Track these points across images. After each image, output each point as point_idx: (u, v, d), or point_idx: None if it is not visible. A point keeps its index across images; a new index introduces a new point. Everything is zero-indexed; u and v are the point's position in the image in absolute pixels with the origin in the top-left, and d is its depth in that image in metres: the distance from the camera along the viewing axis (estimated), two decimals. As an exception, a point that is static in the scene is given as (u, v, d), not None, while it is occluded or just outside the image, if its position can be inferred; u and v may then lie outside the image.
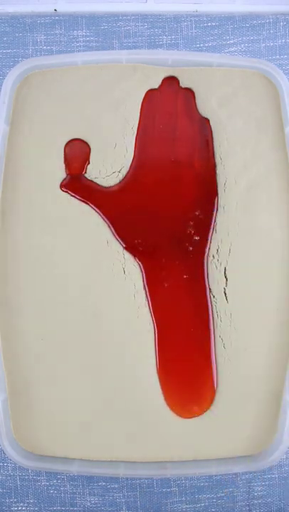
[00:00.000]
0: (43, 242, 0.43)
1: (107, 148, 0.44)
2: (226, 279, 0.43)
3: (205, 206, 0.44)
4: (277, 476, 0.47)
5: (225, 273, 0.43)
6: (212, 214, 0.44)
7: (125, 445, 0.42)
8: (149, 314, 0.43)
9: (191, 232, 0.43)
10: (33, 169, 0.44)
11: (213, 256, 0.43)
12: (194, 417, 0.42)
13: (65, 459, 0.42)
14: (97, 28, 0.50)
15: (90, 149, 0.44)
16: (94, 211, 0.43)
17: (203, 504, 0.46)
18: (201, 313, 0.43)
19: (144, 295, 0.43)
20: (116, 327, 0.42)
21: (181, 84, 0.45)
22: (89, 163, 0.44)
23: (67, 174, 0.44)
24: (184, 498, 0.46)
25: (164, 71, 0.45)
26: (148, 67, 0.45)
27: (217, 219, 0.44)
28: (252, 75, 0.45)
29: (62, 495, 0.46)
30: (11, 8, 0.51)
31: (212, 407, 0.42)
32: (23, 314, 0.42)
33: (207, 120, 0.45)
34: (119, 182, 0.44)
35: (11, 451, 0.41)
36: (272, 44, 0.50)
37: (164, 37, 0.50)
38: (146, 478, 0.46)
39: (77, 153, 0.44)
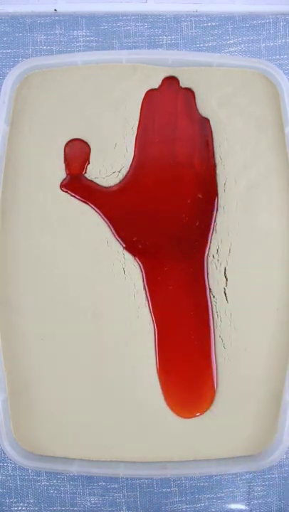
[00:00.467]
0: (43, 242, 0.43)
1: (107, 149, 0.44)
2: (226, 279, 0.43)
3: (205, 206, 0.44)
4: (277, 476, 0.47)
5: (225, 273, 0.43)
6: (212, 214, 0.44)
7: (125, 445, 0.42)
8: (149, 314, 0.43)
9: (191, 232, 0.43)
10: (33, 169, 0.44)
11: (213, 256, 0.43)
12: (194, 417, 0.42)
13: (65, 459, 0.42)
14: (97, 28, 0.50)
15: (90, 149, 0.44)
16: (94, 211, 0.43)
17: (203, 504, 0.46)
18: (201, 313, 0.43)
19: (144, 295, 0.43)
20: (116, 327, 0.42)
21: (181, 84, 0.45)
22: (89, 163, 0.44)
23: (67, 174, 0.44)
24: (184, 498, 0.46)
25: (164, 71, 0.45)
26: (148, 67, 0.45)
27: (217, 219, 0.44)
28: (252, 75, 0.45)
29: (62, 495, 0.46)
30: (11, 8, 0.51)
31: (212, 407, 0.42)
32: (23, 314, 0.42)
33: (207, 120, 0.45)
34: (119, 182, 0.44)
35: (11, 451, 0.41)
36: (272, 44, 0.50)
37: (164, 37, 0.50)
38: (146, 478, 0.46)
39: (77, 153, 0.44)
